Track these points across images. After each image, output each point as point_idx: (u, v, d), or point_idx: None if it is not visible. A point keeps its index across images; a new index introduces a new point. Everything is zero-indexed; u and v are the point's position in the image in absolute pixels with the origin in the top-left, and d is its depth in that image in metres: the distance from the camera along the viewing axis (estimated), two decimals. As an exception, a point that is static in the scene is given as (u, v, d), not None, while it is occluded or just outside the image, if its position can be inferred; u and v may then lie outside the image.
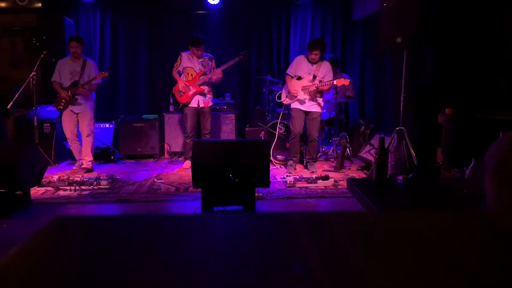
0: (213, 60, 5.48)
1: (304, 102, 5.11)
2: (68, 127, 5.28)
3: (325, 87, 5.04)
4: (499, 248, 0.56)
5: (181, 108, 5.54)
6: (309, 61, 5.08)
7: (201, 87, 5.38)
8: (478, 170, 1.96)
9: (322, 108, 5.22)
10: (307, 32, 7.00)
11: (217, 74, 5.33)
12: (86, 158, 5.30)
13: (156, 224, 0.65)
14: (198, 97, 5.41)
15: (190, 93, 5.37)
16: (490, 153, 1.11)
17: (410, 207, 1.83)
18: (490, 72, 4.23)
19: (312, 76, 5.05)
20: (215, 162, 3.35)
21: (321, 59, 5.10)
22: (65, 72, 5.20)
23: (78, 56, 5.21)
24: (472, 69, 4.28)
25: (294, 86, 5.10)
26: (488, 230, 0.61)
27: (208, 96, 5.47)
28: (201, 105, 5.43)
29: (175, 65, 5.47)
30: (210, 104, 5.51)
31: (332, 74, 5.14)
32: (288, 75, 5.21)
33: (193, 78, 5.38)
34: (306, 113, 5.17)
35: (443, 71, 4.42)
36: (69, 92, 5.14)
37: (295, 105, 5.17)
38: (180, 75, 5.46)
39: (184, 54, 5.43)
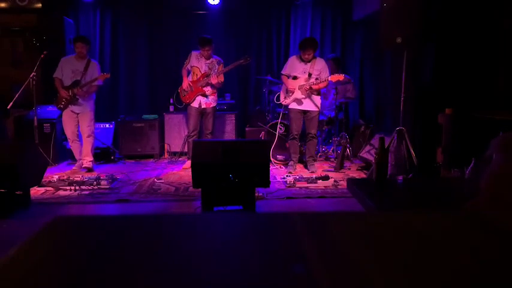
0: (221, 65, 5.44)
1: (302, 102, 5.11)
2: (68, 127, 5.28)
3: (321, 85, 5.02)
4: (498, 248, 0.56)
5: (184, 107, 5.69)
6: (303, 60, 5.07)
7: (203, 88, 5.39)
8: (478, 170, 1.96)
9: (319, 107, 5.21)
10: (307, 32, 7.00)
11: (218, 79, 5.31)
12: (86, 158, 5.30)
13: (156, 224, 0.65)
14: (200, 98, 5.41)
15: (193, 93, 5.39)
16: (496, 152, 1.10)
17: (410, 207, 1.82)
18: (490, 72, 4.23)
19: (307, 75, 5.05)
20: (215, 162, 3.35)
21: (314, 57, 5.08)
22: (67, 70, 5.19)
23: (83, 56, 5.21)
24: (472, 69, 4.27)
25: (291, 84, 5.11)
26: (487, 230, 0.61)
27: (211, 97, 5.45)
28: (202, 106, 5.42)
29: (185, 62, 5.50)
30: (213, 105, 5.49)
31: (328, 70, 5.12)
32: (284, 75, 5.22)
33: (197, 79, 5.40)
34: (304, 112, 5.17)
35: (443, 71, 4.42)
36: (70, 91, 5.14)
37: (292, 105, 5.17)
38: (188, 73, 5.48)
39: (194, 53, 5.44)
